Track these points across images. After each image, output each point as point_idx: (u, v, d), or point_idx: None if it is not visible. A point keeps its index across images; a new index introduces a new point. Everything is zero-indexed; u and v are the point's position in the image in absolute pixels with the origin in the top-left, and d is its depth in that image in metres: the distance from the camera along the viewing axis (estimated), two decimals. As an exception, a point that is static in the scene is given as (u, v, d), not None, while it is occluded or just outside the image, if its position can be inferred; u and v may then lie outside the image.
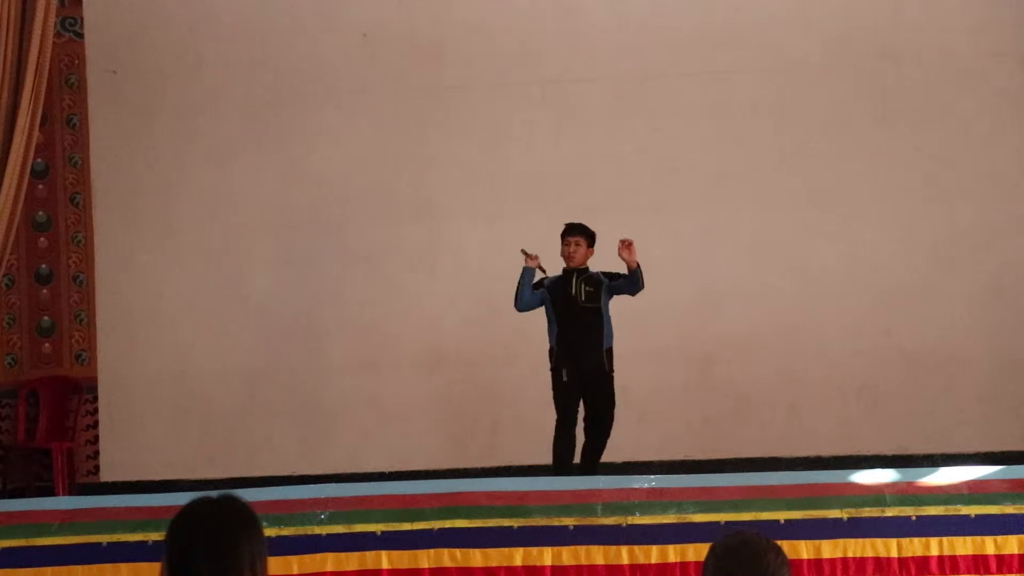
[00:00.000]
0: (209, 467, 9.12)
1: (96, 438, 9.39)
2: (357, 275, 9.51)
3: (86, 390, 9.40)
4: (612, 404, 7.81)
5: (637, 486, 6.07)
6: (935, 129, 9.45)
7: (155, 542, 5.53)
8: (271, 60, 9.56)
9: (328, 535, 5.76)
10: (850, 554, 5.71)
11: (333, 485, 6.54)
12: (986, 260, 9.41)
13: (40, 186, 9.40)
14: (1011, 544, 5.68)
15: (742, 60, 9.50)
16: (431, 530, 5.75)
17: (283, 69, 9.56)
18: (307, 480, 8.28)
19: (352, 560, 5.73)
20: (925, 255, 9.41)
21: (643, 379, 9.04)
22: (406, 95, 9.56)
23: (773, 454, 9.00)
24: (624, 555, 5.72)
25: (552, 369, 7.81)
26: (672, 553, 5.71)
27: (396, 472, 8.78)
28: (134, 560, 5.67)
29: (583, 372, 7.72)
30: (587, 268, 7.84)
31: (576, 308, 7.73)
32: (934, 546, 5.71)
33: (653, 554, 5.72)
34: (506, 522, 5.78)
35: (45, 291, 9.49)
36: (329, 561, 5.73)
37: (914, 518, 5.75)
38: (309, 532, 5.75)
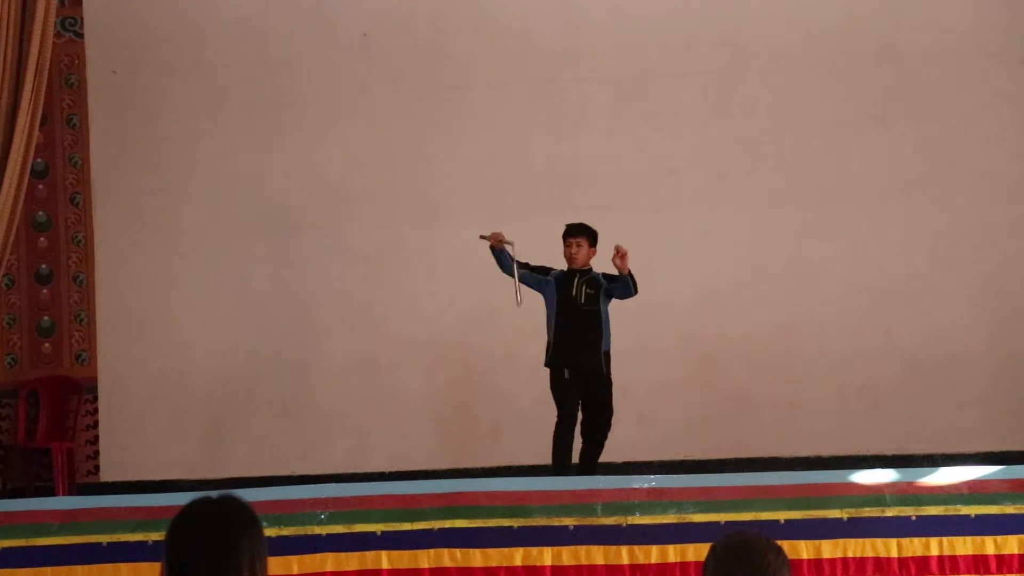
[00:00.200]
0: (209, 467, 9.12)
1: (96, 438, 9.38)
2: (357, 275, 9.51)
3: (86, 390, 9.40)
4: (609, 407, 7.78)
5: (637, 486, 6.07)
6: (935, 129, 9.45)
7: (155, 542, 5.53)
8: (271, 60, 9.55)
9: (328, 535, 5.76)
10: (850, 554, 5.72)
11: (333, 485, 6.53)
12: (986, 260, 9.41)
13: (40, 186, 9.40)
14: (1011, 544, 5.68)
15: (742, 60, 9.50)
16: (431, 530, 5.75)
17: (283, 69, 9.55)
18: (307, 480, 8.28)
19: (352, 560, 5.73)
20: (925, 255, 9.42)
21: (643, 379, 9.04)
22: (406, 95, 9.56)
23: (773, 454, 9.00)
24: (624, 555, 5.73)
25: (550, 365, 7.79)
26: (672, 553, 5.71)
27: (396, 472, 8.78)
28: (134, 560, 5.67)
29: (581, 373, 7.72)
30: (590, 269, 7.82)
31: (576, 309, 7.72)
32: (934, 546, 5.71)
33: (653, 554, 5.72)
34: (506, 522, 5.78)
35: (45, 291, 9.49)
36: (329, 561, 5.73)
37: (914, 518, 5.75)
38: (309, 532, 5.75)
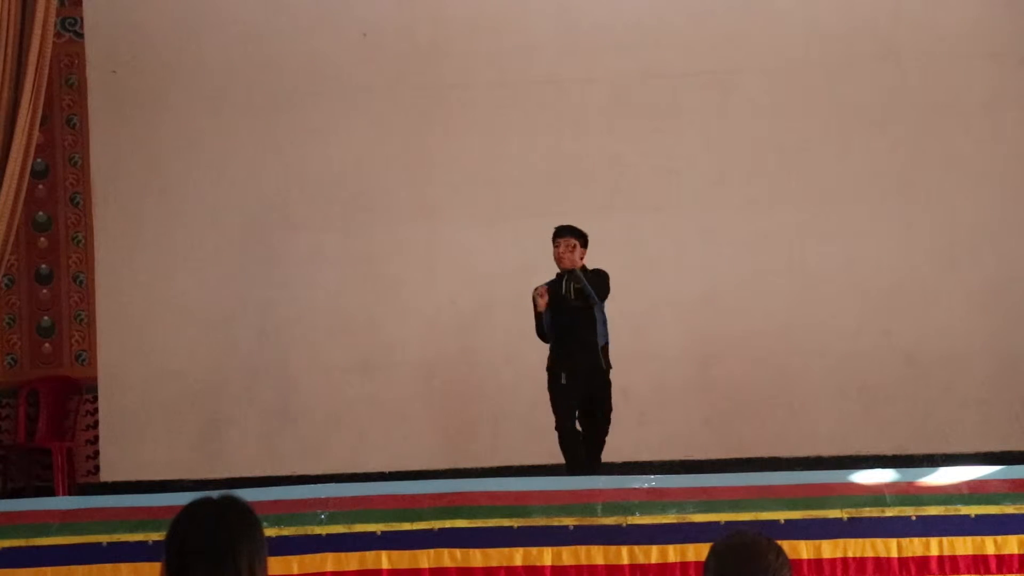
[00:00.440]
0: (209, 467, 9.12)
1: (96, 438, 9.38)
2: (357, 275, 9.50)
3: (86, 390, 9.41)
4: (609, 403, 7.76)
5: (637, 486, 6.07)
6: (935, 129, 9.44)
7: (155, 542, 5.53)
8: (271, 60, 9.55)
9: (328, 535, 5.76)
10: (850, 554, 5.71)
11: (333, 485, 6.53)
12: (986, 260, 9.40)
13: (40, 186, 9.40)
14: (1011, 544, 5.68)
15: (742, 60, 9.50)
16: (431, 530, 5.75)
17: (283, 69, 9.55)
18: (307, 480, 8.28)
19: (352, 560, 5.73)
20: (925, 255, 9.41)
21: (643, 379, 9.04)
22: (406, 94, 9.56)
23: (773, 454, 9.00)
24: (624, 555, 5.72)
25: (548, 370, 7.79)
26: (672, 553, 5.71)
27: (396, 472, 8.77)
28: (134, 560, 5.67)
29: (580, 372, 7.69)
30: (578, 269, 7.79)
31: (568, 308, 7.69)
32: (934, 546, 5.71)
33: (653, 554, 5.71)
34: (506, 522, 5.78)
35: (45, 291, 9.49)
36: (329, 561, 5.73)
37: (914, 518, 5.75)
38: (309, 532, 5.75)
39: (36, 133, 8.21)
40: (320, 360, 9.45)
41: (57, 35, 8.87)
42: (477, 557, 5.72)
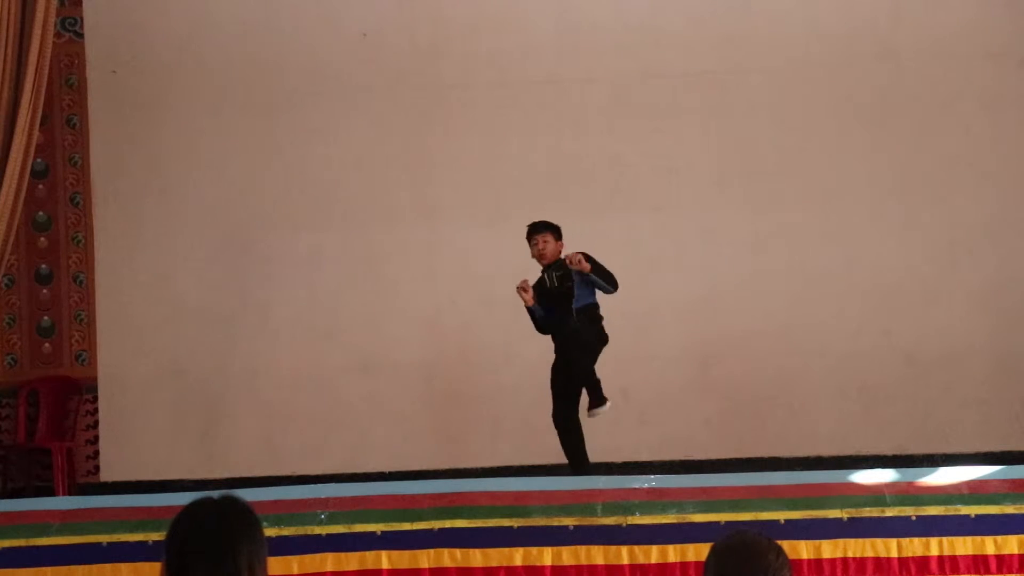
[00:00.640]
0: (209, 467, 9.12)
1: (96, 438, 9.38)
2: (357, 275, 9.51)
3: (86, 390, 9.41)
4: (577, 362, 7.48)
5: (637, 486, 6.07)
6: (935, 129, 9.44)
7: (155, 542, 5.53)
8: (271, 60, 9.55)
9: (328, 535, 5.76)
10: (850, 554, 5.72)
11: (333, 485, 6.54)
12: (986, 260, 9.40)
13: (40, 186, 9.40)
14: (1011, 544, 5.68)
15: (742, 60, 9.50)
16: (431, 530, 5.75)
17: (283, 69, 9.55)
18: (307, 480, 8.28)
19: (352, 560, 5.73)
20: (925, 255, 9.41)
21: (643, 379, 9.04)
22: (406, 95, 9.56)
23: (773, 454, 9.00)
24: (624, 555, 5.73)
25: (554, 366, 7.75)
26: (672, 553, 5.71)
27: (395, 472, 8.77)
28: (134, 560, 5.68)
29: (559, 341, 7.59)
30: (563, 258, 7.63)
31: (552, 296, 7.65)
32: (934, 546, 5.71)
33: (653, 554, 5.72)
34: (506, 522, 5.78)
35: (45, 291, 9.49)
36: (329, 561, 5.73)
37: (914, 518, 5.75)
38: (309, 532, 5.76)
39: (36, 133, 8.21)
40: (320, 360, 9.45)
41: (57, 35, 8.87)
42: (477, 557, 5.72)
